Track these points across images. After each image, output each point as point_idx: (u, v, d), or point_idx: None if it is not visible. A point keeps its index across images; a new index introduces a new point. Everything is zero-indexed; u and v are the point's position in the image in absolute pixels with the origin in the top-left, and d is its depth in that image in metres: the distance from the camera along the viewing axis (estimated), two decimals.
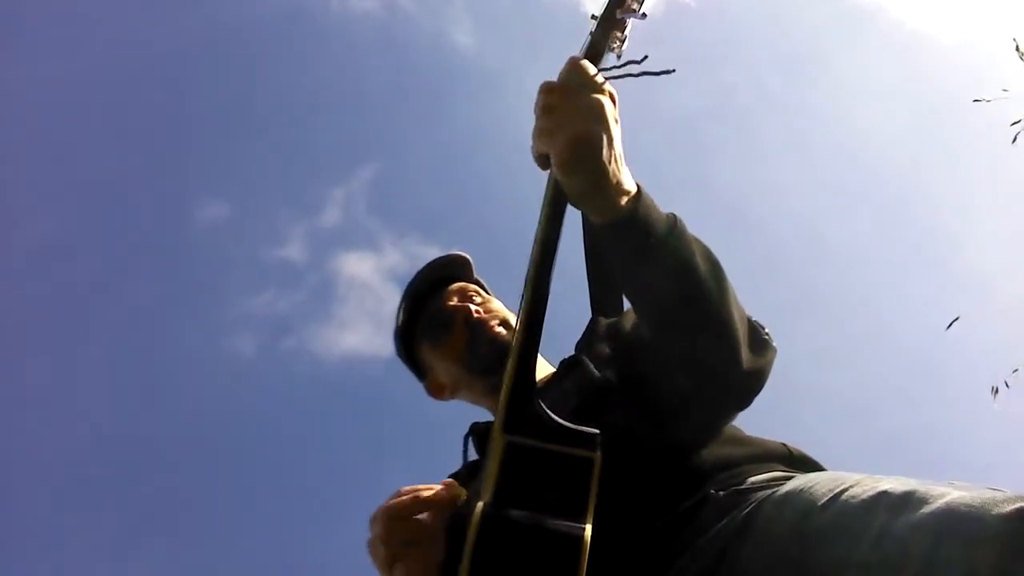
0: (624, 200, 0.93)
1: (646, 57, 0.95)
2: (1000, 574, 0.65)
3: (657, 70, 0.95)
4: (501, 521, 0.78)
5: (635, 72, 0.95)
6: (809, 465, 1.07)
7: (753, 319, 1.06)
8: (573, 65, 0.93)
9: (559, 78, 0.94)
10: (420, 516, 0.96)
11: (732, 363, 1.00)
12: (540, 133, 0.92)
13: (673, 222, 0.97)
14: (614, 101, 0.93)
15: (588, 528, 0.78)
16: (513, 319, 1.35)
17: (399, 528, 0.95)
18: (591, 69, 0.93)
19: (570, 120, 0.89)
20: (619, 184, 0.93)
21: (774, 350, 1.06)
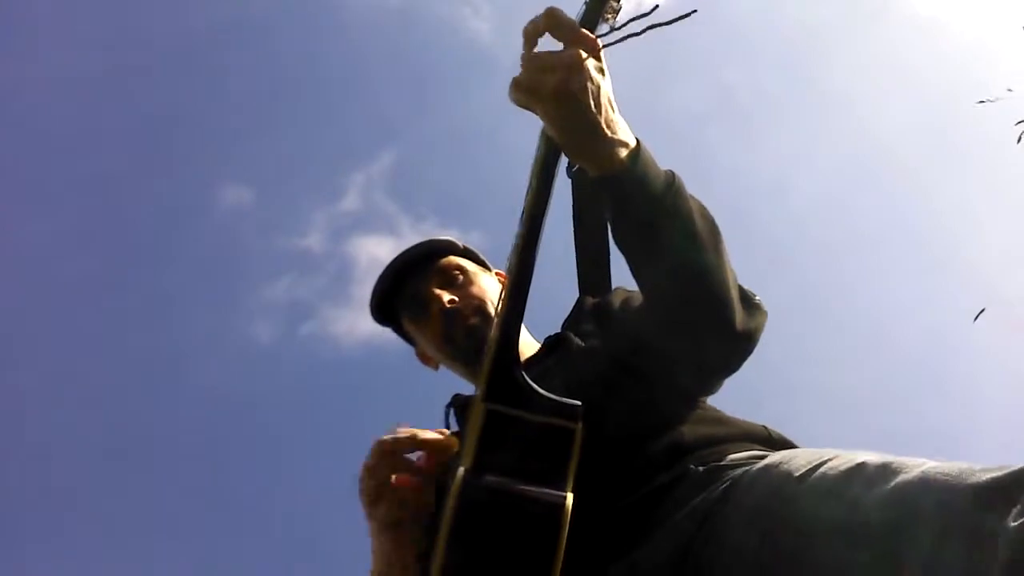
0: (622, 152, 0.92)
1: (656, 7, 0.94)
2: (970, 540, 0.65)
3: (670, 18, 0.94)
4: (481, 488, 0.77)
5: (638, 31, 0.93)
6: (788, 447, 1.06)
7: (743, 286, 1.06)
8: (547, 15, 0.91)
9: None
10: (414, 456, 0.93)
11: (727, 323, 1.00)
12: (519, 88, 0.90)
13: (672, 178, 0.96)
14: (597, 53, 0.91)
15: (569, 496, 0.77)
16: (493, 301, 1.34)
17: (391, 463, 0.92)
18: (564, 19, 0.91)
19: (551, 73, 0.88)
20: (615, 135, 0.92)
21: (765, 314, 1.07)
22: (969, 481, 0.69)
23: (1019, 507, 0.63)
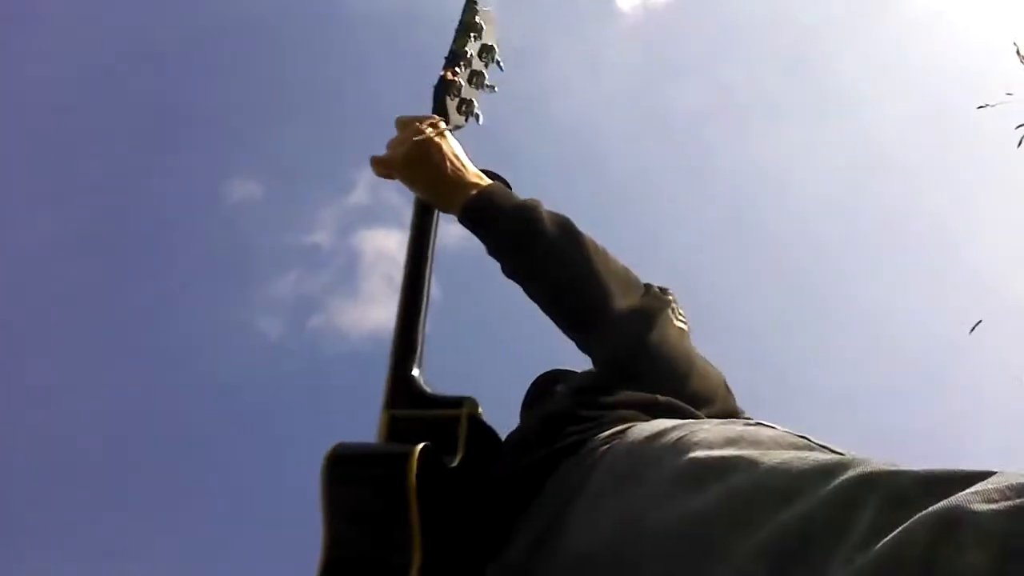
0: (471, 192, 1.10)
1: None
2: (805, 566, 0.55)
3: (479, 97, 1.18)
4: (344, 450, 0.92)
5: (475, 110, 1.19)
6: (677, 413, 0.99)
7: (651, 283, 1.11)
8: (396, 121, 1.17)
9: None
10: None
11: (600, 309, 1.04)
12: (376, 164, 1.16)
13: (523, 202, 1.09)
14: (435, 124, 1.14)
15: (420, 445, 0.88)
16: None
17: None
18: (405, 118, 1.16)
19: (397, 147, 1.13)
20: (463, 180, 1.11)
21: (665, 301, 1.08)
22: (808, 494, 0.59)
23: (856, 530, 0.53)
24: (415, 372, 1.06)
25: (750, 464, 0.67)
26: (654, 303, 1.08)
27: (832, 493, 0.58)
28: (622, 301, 1.05)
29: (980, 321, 4.58)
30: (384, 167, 1.15)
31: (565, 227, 1.09)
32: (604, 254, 1.09)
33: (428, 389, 1.04)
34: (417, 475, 0.85)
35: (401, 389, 1.04)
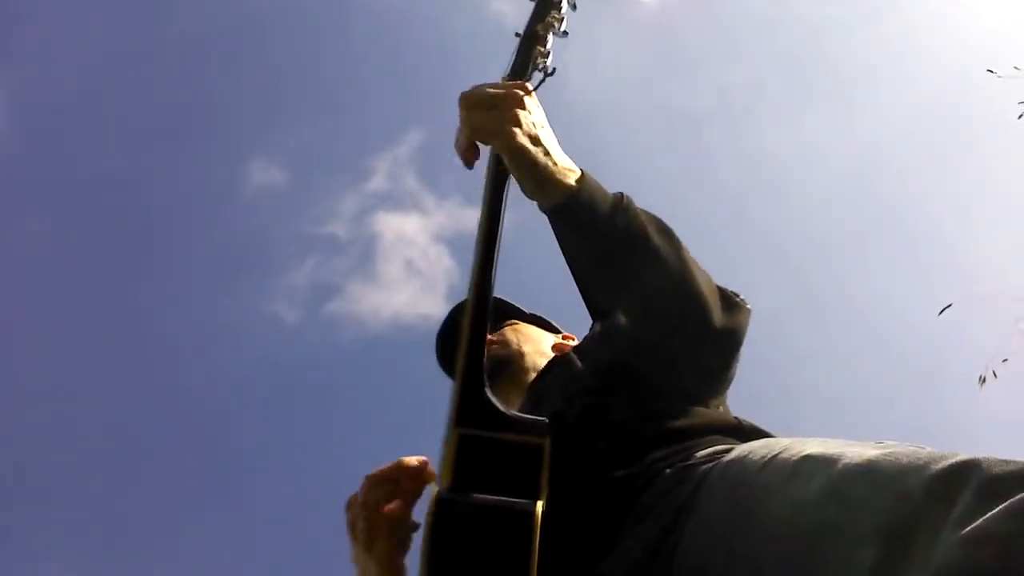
0: (569, 181, 0.99)
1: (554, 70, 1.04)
2: (914, 544, 0.63)
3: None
4: (455, 503, 0.83)
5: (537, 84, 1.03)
6: (760, 437, 1.05)
7: (724, 287, 1.09)
8: (463, 100, 1.00)
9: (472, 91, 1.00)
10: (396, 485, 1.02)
11: (704, 322, 1.02)
12: (467, 140, 0.99)
13: (620, 198, 1.02)
14: (530, 94, 1.00)
15: (539, 504, 0.82)
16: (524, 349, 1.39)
17: (375, 491, 1.01)
18: (481, 91, 1.00)
19: (497, 111, 0.97)
20: (557, 171, 0.99)
21: (748, 311, 1.09)
22: (917, 477, 0.66)
23: (959, 508, 0.61)
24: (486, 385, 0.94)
25: (857, 455, 0.74)
26: (745, 318, 1.09)
27: (938, 475, 0.65)
28: (719, 319, 1.04)
29: (950, 304, 4.68)
30: (472, 152, 1.00)
31: (666, 233, 1.04)
32: (692, 261, 1.05)
33: (501, 406, 0.92)
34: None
35: (472, 404, 0.92)
